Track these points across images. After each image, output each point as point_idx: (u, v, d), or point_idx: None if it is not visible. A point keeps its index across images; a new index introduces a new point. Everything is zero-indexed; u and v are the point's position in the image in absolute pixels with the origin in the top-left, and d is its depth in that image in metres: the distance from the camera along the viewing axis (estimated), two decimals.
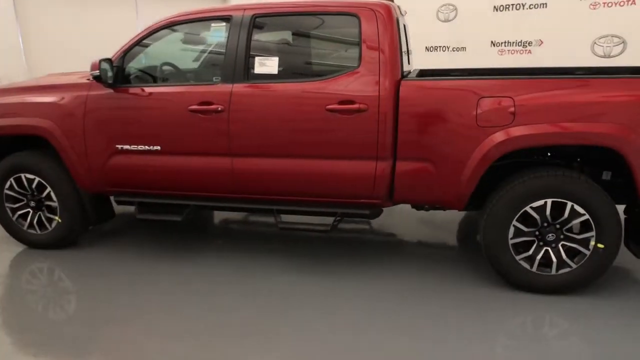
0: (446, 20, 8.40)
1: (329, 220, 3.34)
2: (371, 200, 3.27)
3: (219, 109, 3.23)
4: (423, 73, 4.03)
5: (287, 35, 3.54)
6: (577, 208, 2.90)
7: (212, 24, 3.38)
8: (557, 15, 7.15)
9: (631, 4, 6.51)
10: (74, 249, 3.92)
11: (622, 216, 3.06)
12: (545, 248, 3.03)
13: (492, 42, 7.93)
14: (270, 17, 3.32)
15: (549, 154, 3.32)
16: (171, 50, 3.80)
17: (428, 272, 3.49)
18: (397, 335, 2.74)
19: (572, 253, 3.01)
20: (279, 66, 3.23)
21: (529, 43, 7.58)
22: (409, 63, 3.67)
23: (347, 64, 3.18)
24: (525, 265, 3.07)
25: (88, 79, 3.58)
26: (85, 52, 7.49)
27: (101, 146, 3.50)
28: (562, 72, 3.96)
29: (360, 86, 3.08)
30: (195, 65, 3.91)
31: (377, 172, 3.14)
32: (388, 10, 3.15)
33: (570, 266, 3.02)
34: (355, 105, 3.06)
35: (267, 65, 3.21)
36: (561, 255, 3.01)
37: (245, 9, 3.29)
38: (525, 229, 3.02)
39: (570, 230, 2.99)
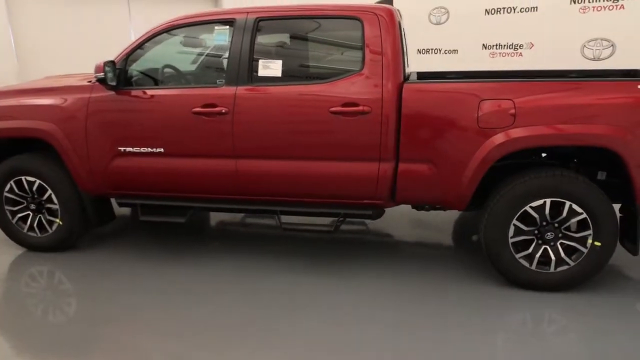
0: (438, 23, 8.49)
1: (328, 220, 3.37)
2: (374, 201, 3.32)
3: (223, 111, 3.26)
4: (421, 76, 4.10)
5: (290, 39, 3.57)
6: (575, 207, 2.98)
7: (216, 27, 3.41)
8: (548, 18, 7.27)
9: (620, 9, 6.65)
10: (74, 252, 3.91)
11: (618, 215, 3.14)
12: (544, 246, 3.10)
13: (483, 45, 8.04)
14: (273, 21, 3.36)
15: (544, 155, 3.41)
16: (174, 53, 3.82)
17: (426, 272, 3.54)
18: (399, 332, 2.79)
19: (570, 251, 3.09)
20: (283, 69, 3.27)
21: (520, 46, 7.70)
22: (407, 66, 3.74)
23: (350, 67, 3.22)
24: (525, 263, 3.14)
25: (89, 81, 3.60)
26: (78, 55, 7.50)
27: (104, 148, 3.51)
28: (557, 74, 4.06)
29: (363, 89, 3.13)
30: (199, 67, 3.93)
31: (380, 173, 3.19)
32: (390, 14, 3.20)
33: (568, 264, 3.09)
34: (359, 108, 3.11)
35: (270, 68, 3.25)
36: (560, 253, 3.09)
37: (248, 12, 3.32)
38: (525, 228, 3.09)
39: (568, 228, 3.07)
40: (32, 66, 7.27)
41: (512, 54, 7.81)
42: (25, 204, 3.79)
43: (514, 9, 7.63)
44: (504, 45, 7.87)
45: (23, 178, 3.69)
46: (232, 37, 3.30)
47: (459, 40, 8.30)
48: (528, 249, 3.13)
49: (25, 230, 3.84)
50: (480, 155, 3.01)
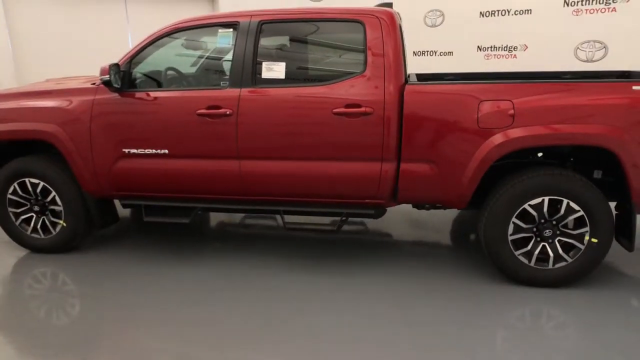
0: (433, 26, 8.58)
1: (328, 220, 3.41)
2: (376, 201, 3.37)
3: (227, 113, 3.31)
4: (420, 77, 4.16)
5: (293, 41, 3.63)
6: (573, 205, 3.06)
7: (220, 30, 3.45)
8: (542, 21, 7.39)
9: (612, 11, 6.78)
10: (77, 253, 3.93)
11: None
12: (542, 243, 3.17)
13: (478, 46, 8.13)
14: (276, 24, 3.41)
15: (539, 155, 3.48)
16: (178, 56, 3.86)
17: (425, 270, 3.59)
18: (399, 329, 2.83)
19: (568, 248, 3.16)
20: (286, 71, 3.32)
21: (514, 48, 7.81)
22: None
23: (353, 69, 3.28)
24: (524, 260, 3.21)
25: (93, 84, 3.63)
26: (75, 57, 7.52)
27: (108, 150, 3.54)
28: (552, 76, 4.14)
29: (365, 90, 3.18)
30: (203, 70, 3.97)
31: (382, 173, 3.25)
32: (391, 17, 3.27)
33: (566, 260, 3.16)
34: (361, 109, 3.17)
35: (274, 70, 3.30)
36: (558, 250, 3.16)
37: (252, 16, 3.37)
38: (524, 226, 3.16)
39: (565, 226, 3.14)
40: (29, 69, 7.27)
41: (507, 56, 7.91)
42: (28, 206, 3.81)
43: (508, 12, 7.74)
44: (499, 47, 7.97)
45: (27, 180, 3.71)
46: (236, 40, 3.35)
47: (454, 43, 8.40)
48: (527, 246, 3.19)
49: (28, 232, 3.86)
50: (480, 155, 3.08)
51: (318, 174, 3.33)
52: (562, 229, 3.14)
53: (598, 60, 6.99)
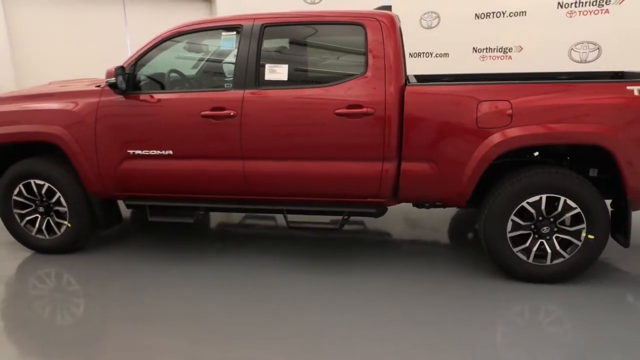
0: (429, 28, 8.67)
1: (328, 219, 3.47)
2: (377, 200, 3.44)
3: (231, 114, 3.36)
4: (418, 79, 4.24)
5: (295, 44, 3.69)
6: (570, 202, 3.13)
7: (223, 33, 3.50)
8: (536, 22, 7.48)
9: (605, 13, 6.88)
10: (81, 254, 3.96)
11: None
12: (540, 240, 3.24)
13: (474, 48, 8.22)
14: (278, 27, 3.47)
15: (536, 154, 3.55)
16: (182, 58, 3.91)
17: (424, 268, 3.64)
18: (400, 327, 2.88)
19: (565, 244, 3.23)
20: (288, 73, 3.38)
21: (509, 49, 7.90)
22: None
23: (354, 70, 3.34)
24: (523, 256, 3.27)
25: (97, 86, 3.68)
26: (74, 60, 7.55)
27: (113, 151, 3.58)
28: (548, 77, 4.22)
29: (367, 91, 3.25)
30: (207, 72, 4.03)
31: (383, 173, 3.31)
32: (391, 20, 3.34)
33: (563, 256, 3.23)
34: (363, 109, 3.23)
35: (277, 72, 3.36)
36: (555, 247, 3.23)
37: (255, 19, 3.44)
38: (522, 223, 3.22)
39: (563, 223, 3.21)
40: (29, 72, 7.29)
41: (502, 57, 8.00)
42: (33, 207, 3.84)
43: (503, 14, 7.83)
44: (494, 49, 8.06)
45: (32, 181, 3.75)
46: (240, 43, 3.41)
47: (449, 44, 8.48)
48: (525, 243, 3.26)
49: (33, 233, 3.89)
50: (479, 154, 3.15)
51: (320, 173, 3.39)
52: (560, 226, 3.21)
53: (592, 61, 7.09)
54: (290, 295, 3.28)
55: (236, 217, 4.95)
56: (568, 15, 7.19)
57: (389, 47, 3.26)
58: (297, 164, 3.39)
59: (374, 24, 3.30)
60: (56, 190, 3.74)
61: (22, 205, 3.85)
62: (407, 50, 8.63)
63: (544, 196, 3.15)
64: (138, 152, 3.56)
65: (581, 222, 3.16)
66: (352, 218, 3.89)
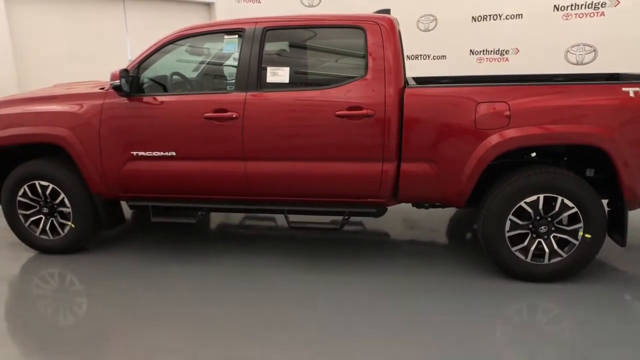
0: (426, 30, 8.75)
1: (328, 219, 3.51)
2: (377, 200, 3.48)
3: (234, 116, 3.41)
4: (417, 81, 4.29)
5: (296, 47, 3.74)
6: (567, 202, 3.17)
7: (225, 37, 3.55)
8: (533, 25, 7.57)
9: (601, 16, 6.97)
10: (84, 254, 4.00)
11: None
12: (538, 239, 3.29)
13: (471, 50, 8.31)
14: (280, 30, 3.53)
15: (533, 155, 3.60)
16: (185, 61, 3.96)
17: (423, 268, 3.67)
18: (402, 325, 2.92)
19: (562, 243, 3.27)
20: (290, 75, 3.43)
21: (506, 51, 7.99)
22: None
23: (354, 73, 3.40)
24: (521, 255, 3.31)
25: (102, 88, 3.72)
26: (74, 62, 7.57)
27: (117, 153, 3.63)
28: (545, 79, 4.28)
29: (367, 93, 3.30)
30: (209, 75, 4.08)
31: (383, 173, 3.36)
32: (391, 23, 3.40)
33: (561, 255, 3.27)
34: (363, 111, 3.28)
35: (279, 74, 3.41)
36: (553, 246, 3.27)
37: (257, 22, 3.49)
38: (520, 223, 3.27)
39: (560, 222, 3.25)
40: (30, 73, 7.31)
41: (499, 59, 8.09)
42: (38, 208, 3.88)
43: (500, 16, 7.92)
44: (491, 51, 8.15)
45: (37, 182, 3.79)
46: (242, 46, 3.46)
47: (447, 46, 8.57)
48: (523, 242, 3.30)
49: (37, 234, 3.93)
50: (477, 155, 3.20)
51: (321, 174, 3.43)
52: (557, 226, 3.25)
53: (588, 62, 7.18)
54: (291, 294, 3.32)
55: (237, 218, 4.99)
56: (564, 17, 7.28)
57: (388, 50, 3.32)
58: (298, 165, 3.44)
59: (374, 27, 3.35)
60: (60, 191, 3.78)
61: (27, 206, 3.89)
62: (405, 52, 8.72)
63: (541, 196, 3.19)
64: (141, 153, 3.60)
65: (578, 221, 3.20)
66: (351, 218, 3.93)
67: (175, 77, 3.95)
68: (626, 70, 4.17)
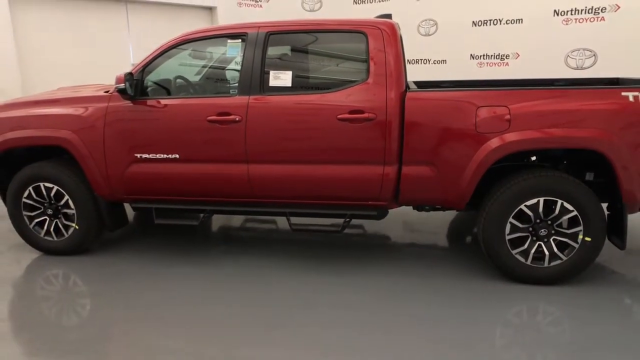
0: (427, 35, 8.79)
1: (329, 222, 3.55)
2: (378, 202, 3.51)
3: (237, 119, 3.45)
4: (418, 85, 4.32)
5: (299, 51, 3.78)
6: (567, 205, 3.20)
7: (229, 41, 3.59)
8: (533, 30, 7.61)
9: (601, 20, 7.01)
10: (87, 255, 4.04)
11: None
12: (538, 242, 3.31)
13: (471, 55, 8.35)
14: (283, 35, 3.57)
15: (533, 158, 3.63)
16: (189, 65, 4.00)
17: (423, 270, 3.70)
18: (403, 326, 2.95)
19: (562, 246, 3.30)
20: (292, 79, 3.47)
21: (506, 56, 8.03)
22: None
23: (356, 77, 3.44)
24: (521, 258, 3.34)
25: (106, 91, 3.76)
26: (78, 65, 7.63)
27: (121, 155, 3.66)
28: (545, 83, 4.32)
29: (368, 97, 3.33)
30: (213, 78, 4.12)
31: (384, 176, 3.38)
32: (392, 28, 3.43)
33: (561, 258, 3.30)
34: (364, 115, 3.31)
35: (281, 78, 3.45)
36: (553, 249, 3.30)
37: (259, 27, 3.53)
38: (521, 225, 3.30)
39: (560, 225, 3.28)
40: (33, 76, 7.37)
41: (499, 64, 8.13)
42: (42, 209, 3.92)
43: (500, 21, 7.96)
44: (491, 56, 8.19)
45: (41, 184, 3.82)
46: (245, 50, 3.50)
47: (447, 51, 8.61)
48: (523, 245, 3.33)
49: (42, 235, 3.97)
50: (478, 158, 3.22)
51: (323, 176, 3.46)
52: (557, 229, 3.28)
53: (588, 67, 7.22)
54: (292, 296, 3.35)
55: (238, 221, 5.02)
56: (564, 22, 7.32)
57: (389, 55, 3.35)
58: (300, 168, 3.48)
59: (376, 32, 3.39)
60: (65, 193, 3.82)
61: (32, 208, 3.93)
62: (405, 56, 8.74)
63: (541, 199, 3.22)
64: (145, 156, 3.64)
65: (578, 224, 3.22)
66: (353, 221, 3.96)
67: (178, 80, 3.99)
68: (626, 75, 4.20)
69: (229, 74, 4.00)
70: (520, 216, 3.28)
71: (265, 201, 3.67)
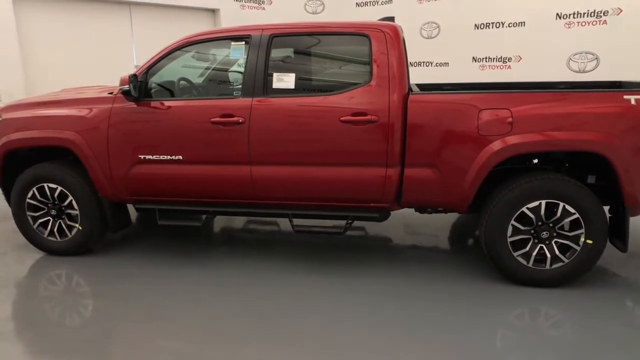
0: (429, 37, 8.82)
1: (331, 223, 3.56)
2: (380, 204, 3.52)
3: (240, 121, 3.46)
4: (420, 87, 4.34)
5: (302, 54, 3.80)
6: (569, 208, 3.21)
7: (232, 43, 3.61)
8: (535, 33, 7.63)
9: (603, 24, 7.02)
10: (90, 256, 4.05)
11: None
12: (540, 245, 3.32)
13: (473, 57, 8.37)
14: (286, 37, 3.59)
15: (535, 161, 3.64)
16: (192, 67, 4.02)
17: (428, 272, 3.71)
18: (405, 327, 2.95)
19: (564, 249, 3.30)
20: (295, 81, 3.49)
21: (508, 59, 8.05)
22: None
23: (359, 79, 3.45)
24: (523, 261, 3.34)
25: (110, 93, 3.78)
26: (82, 67, 7.66)
27: (124, 156, 3.68)
28: (547, 86, 4.33)
29: (371, 99, 3.35)
30: (216, 80, 4.13)
31: (387, 178, 3.40)
32: (395, 30, 3.45)
33: (562, 261, 3.30)
34: (367, 117, 3.33)
35: (284, 80, 3.46)
36: (554, 251, 3.30)
37: (263, 29, 3.55)
38: (522, 228, 3.30)
39: (562, 228, 3.28)
40: (37, 77, 7.40)
41: (501, 67, 8.15)
42: (46, 210, 3.94)
43: (502, 24, 7.98)
44: (493, 58, 8.20)
45: (45, 185, 3.84)
46: (248, 52, 3.52)
47: (449, 54, 8.64)
48: (525, 247, 3.33)
49: (45, 235, 3.98)
50: (480, 161, 3.23)
51: (325, 178, 3.48)
52: (559, 231, 3.28)
53: (590, 70, 7.23)
54: (294, 297, 3.36)
55: (240, 222, 5.03)
56: (566, 26, 7.33)
57: (392, 57, 3.37)
58: (303, 169, 3.49)
59: (379, 35, 3.41)
60: (68, 194, 3.83)
61: (35, 208, 3.95)
62: (408, 59, 8.76)
63: (543, 202, 3.23)
64: (149, 157, 3.65)
65: (580, 227, 3.23)
66: (354, 223, 3.97)
67: (182, 82, 4.01)
68: (629, 78, 4.21)
69: (232, 76, 4.02)
70: (522, 218, 3.29)
71: (268, 202, 3.68)
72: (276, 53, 3.59)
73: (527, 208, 3.25)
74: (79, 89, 4.61)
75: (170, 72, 3.78)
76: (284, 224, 4.79)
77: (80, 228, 3.89)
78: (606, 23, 7.01)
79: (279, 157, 3.50)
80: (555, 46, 7.40)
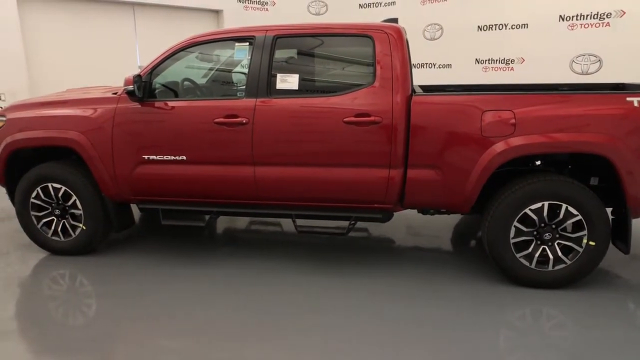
0: (432, 39, 8.83)
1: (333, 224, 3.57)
2: (383, 205, 3.53)
3: (244, 121, 3.48)
4: (423, 89, 4.35)
5: (306, 55, 3.82)
6: (571, 209, 3.21)
7: (236, 44, 3.63)
8: (538, 35, 7.64)
9: (606, 26, 7.02)
10: (94, 255, 4.06)
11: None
12: (542, 246, 3.32)
13: (476, 59, 8.38)
14: (290, 38, 3.60)
15: (538, 162, 3.65)
16: (196, 67, 4.04)
17: (430, 273, 3.71)
18: (406, 328, 2.96)
19: (566, 250, 3.31)
20: (299, 82, 3.50)
21: (511, 61, 8.05)
22: None
23: (362, 81, 3.46)
24: (525, 262, 3.35)
25: (114, 93, 3.80)
26: (85, 67, 7.70)
27: (128, 156, 3.69)
28: (550, 88, 4.33)
29: (374, 101, 3.36)
30: (220, 81, 4.15)
31: (390, 179, 3.40)
32: (399, 32, 3.46)
33: (565, 262, 3.30)
34: (371, 118, 3.34)
35: (288, 81, 3.48)
36: (557, 253, 3.31)
37: (267, 30, 3.56)
38: (525, 229, 3.31)
39: (564, 229, 3.29)
40: (41, 78, 7.43)
41: (504, 69, 8.15)
42: (50, 210, 3.95)
43: (505, 26, 7.99)
44: (496, 60, 8.21)
45: (49, 185, 3.86)
46: (252, 53, 3.54)
47: (452, 55, 8.65)
48: (528, 249, 3.34)
49: (49, 235, 4.00)
50: (483, 162, 3.24)
51: (329, 179, 3.48)
52: (562, 233, 3.29)
53: (593, 72, 7.23)
54: (296, 297, 3.36)
55: (243, 222, 5.04)
56: (569, 28, 7.33)
57: (396, 59, 3.38)
58: (306, 170, 3.50)
59: (382, 36, 3.42)
60: (72, 194, 3.85)
61: (39, 208, 3.96)
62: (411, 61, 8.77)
63: (546, 203, 3.23)
64: (153, 157, 3.67)
65: (582, 229, 3.23)
66: (357, 224, 3.97)
67: (186, 83, 4.02)
68: (632, 80, 4.21)
69: (236, 77, 4.03)
70: (525, 220, 3.29)
71: (271, 203, 3.69)
72: (280, 54, 3.60)
73: (530, 209, 3.26)
74: (84, 89, 4.63)
75: (174, 73, 3.80)
76: (287, 224, 4.80)
77: (84, 228, 3.91)
78: (609, 25, 7.01)
79: (282, 157, 3.51)
80: (558, 48, 7.40)
